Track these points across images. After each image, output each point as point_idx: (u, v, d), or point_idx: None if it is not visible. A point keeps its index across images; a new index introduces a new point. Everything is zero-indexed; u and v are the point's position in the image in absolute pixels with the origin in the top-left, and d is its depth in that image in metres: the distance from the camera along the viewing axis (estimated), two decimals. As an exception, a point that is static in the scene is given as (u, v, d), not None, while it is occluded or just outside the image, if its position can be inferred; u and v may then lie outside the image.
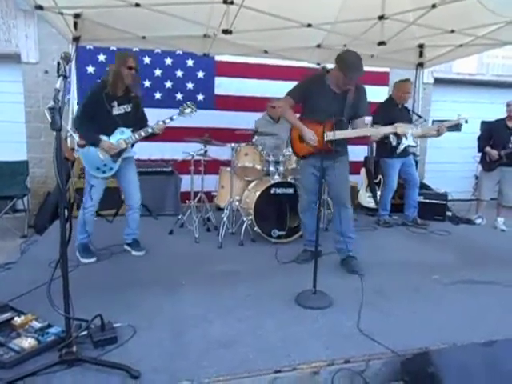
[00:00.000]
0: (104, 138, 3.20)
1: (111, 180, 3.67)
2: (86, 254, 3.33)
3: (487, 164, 5.15)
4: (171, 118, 3.34)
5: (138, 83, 3.34)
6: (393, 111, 4.55)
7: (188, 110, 3.39)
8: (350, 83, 3.03)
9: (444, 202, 5.27)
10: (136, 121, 3.35)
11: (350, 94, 3.11)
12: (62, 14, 3.89)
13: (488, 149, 5.07)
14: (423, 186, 6.15)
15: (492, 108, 6.63)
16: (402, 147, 4.28)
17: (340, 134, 3.08)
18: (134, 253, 3.54)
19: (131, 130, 3.29)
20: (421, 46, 5.25)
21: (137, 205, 3.53)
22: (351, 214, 3.35)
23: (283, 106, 3.25)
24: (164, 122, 3.29)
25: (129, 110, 3.29)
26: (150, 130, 3.28)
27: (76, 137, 3.10)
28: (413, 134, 3.28)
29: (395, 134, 3.21)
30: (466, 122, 3.69)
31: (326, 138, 3.04)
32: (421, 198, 5.21)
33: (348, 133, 3.19)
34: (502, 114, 5.21)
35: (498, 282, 3.09)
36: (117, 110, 3.23)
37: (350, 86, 3.06)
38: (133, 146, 3.40)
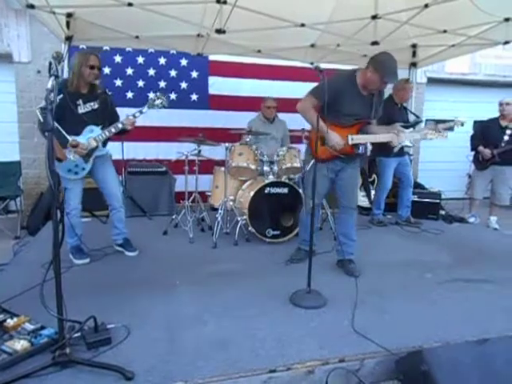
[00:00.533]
0: (73, 138, 3.10)
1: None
2: (79, 255, 3.31)
3: (480, 163, 5.19)
4: (141, 112, 3.24)
5: (100, 81, 3.27)
6: (392, 111, 4.50)
7: (158, 102, 3.27)
8: (385, 86, 3.01)
9: (437, 201, 5.30)
10: (105, 118, 3.24)
11: (375, 97, 3.08)
12: (54, 13, 3.86)
13: (481, 148, 5.11)
14: (417, 185, 6.19)
15: (484, 107, 6.67)
16: (399, 146, 4.33)
17: (364, 139, 3.09)
18: (127, 253, 3.51)
19: (101, 128, 3.20)
20: (414, 46, 5.28)
21: (118, 203, 3.45)
22: (356, 216, 3.36)
23: (305, 106, 3.03)
24: (134, 115, 3.21)
25: (96, 106, 3.20)
26: (120, 126, 3.18)
27: (69, 137, 3.06)
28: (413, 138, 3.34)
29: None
30: (462, 125, 3.72)
31: (350, 142, 3.03)
32: (414, 197, 5.24)
33: (371, 137, 3.15)
34: (494, 113, 5.25)
35: (491, 280, 3.12)
36: (83, 108, 3.14)
37: (382, 89, 3.06)
38: (105, 144, 3.30)
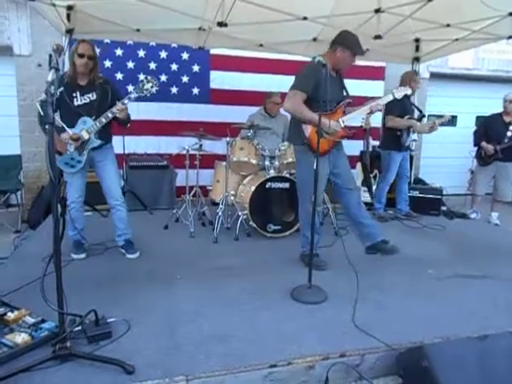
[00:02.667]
0: (68, 130, 3.04)
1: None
2: (76, 249, 3.30)
3: (483, 159, 5.17)
4: (129, 98, 3.08)
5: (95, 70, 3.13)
6: (405, 102, 4.51)
7: (148, 85, 3.06)
8: (353, 61, 3.09)
9: (439, 197, 5.28)
10: (102, 109, 3.09)
11: (342, 77, 3.19)
12: (54, 5, 3.83)
13: (484, 143, 5.09)
14: (418, 181, 6.18)
15: (487, 103, 6.64)
16: (409, 140, 4.39)
17: (351, 117, 3.15)
18: (128, 255, 3.38)
19: (94, 119, 3.09)
20: (417, 40, 5.23)
21: (118, 202, 3.32)
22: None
23: (296, 103, 2.97)
24: (123, 102, 3.06)
25: (94, 97, 3.11)
26: (109, 115, 3.05)
27: (69, 130, 3.03)
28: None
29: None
30: (453, 118, 3.72)
31: (342, 125, 3.09)
32: (416, 193, 5.24)
33: (356, 113, 3.22)
34: (497, 108, 5.22)
35: (492, 276, 3.12)
36: (79, 101, 3.08)
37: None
38: (107, 138, 3.24)
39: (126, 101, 3.07)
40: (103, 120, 3.08)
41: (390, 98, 3.31)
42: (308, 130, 3.06)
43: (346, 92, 3.28)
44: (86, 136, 3.10)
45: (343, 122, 3.11)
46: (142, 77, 3.14)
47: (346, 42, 3.02)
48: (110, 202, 3.35)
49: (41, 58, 5.44)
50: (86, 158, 3.16)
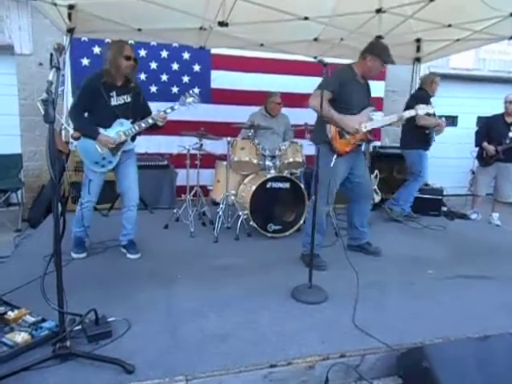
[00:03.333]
0: (101, 130, 3.07)
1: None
2: (77, 248, 3.27)
3: (484, 159, 5.17)
4: (172, 108, 3.18)
5: (135, 72, 3.22)
6: (430, 102, 4.48)
7: (190, 99, 3.20)
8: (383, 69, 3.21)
9: (439, 197, 5.28)
10: (135, 112, 3.19)
11: (368, 85, 3.29)
12: (55, 4, 3.83)
13: (485, 144, 5.09)
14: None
15: (489, 103, 6.63)
16: (435, 137, 4.54)
17: (374, 124, 3.23)
18: (128, 255, 3.35)
19: (131, 122, 3.15)
20: (418, 41, 5.24)
21: (133, 202, 3.31)
22: None
23: (319, 101, 2.80)
24: (165, 111, 3.15)
25: (128, 100, 3.14)
26: (150, 121, 3.13)
27: (70, 129, 3.04)
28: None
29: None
30: (454, 118, 3.74)
31: (364, 130, 3.15)
32: (417, 193, 5.22)
33: (380, 121, 3.35)
34: (498, 109, 5.22)
35: (493, 276, 3.11)
36: (116, 101, 3.08)
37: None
38: (134, 138, 3.25)
39: (168, 110, 3.16)
40: (143, 125, 3.14)
41: (412, 113, 3.41)
42: (331, 129, 3.13)
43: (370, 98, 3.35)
44: (123, 138, 3.13)
45: (365, 126, 3.16)
46: (187, 95, 3.22)
47: (376, 50, 3.11)
48: (126, 202, 3.34)
49: (42, 57, 5.44)
50: (119, 159, 3.19)
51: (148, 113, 3.26)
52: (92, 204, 3.25)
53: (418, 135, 4.70)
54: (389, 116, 3.40)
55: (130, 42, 5.33)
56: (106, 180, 3.30)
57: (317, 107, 2.96)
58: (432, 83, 4.75)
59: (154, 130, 3.28)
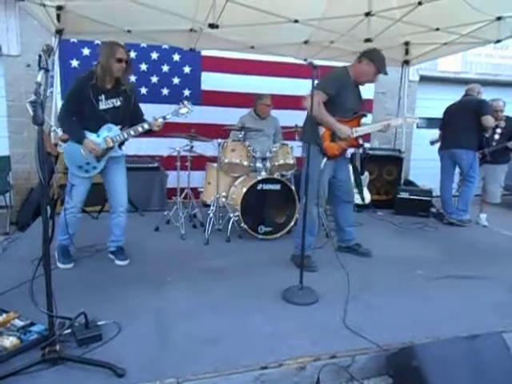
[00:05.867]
0: (88, 135, 2.95)
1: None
2: (63, 258, 3.10)
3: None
4: (164, 118, 3.08)
5: (129, 73, 3.12)
6: None
7: (184, 111, 3.15)
8: (376, 79, 3.22)
9: (429, 199, 5.34)
10: (125, 117, 3.06)
11: (359, 91, 3.31)
12: (44, 5, 3.81)
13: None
14: (408, 183, 6.24)
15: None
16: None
17: (364, 130, 3.26)
18: (117, 262, 3.23)
19: (120, 128, 3.03)
20: (406, 44, 5.31)
21: (121, 208, 3.19)
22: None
23: (315, 103, 2.83)
24: (157, 119, 3.06)
25: (118, 104, 3.00)
26: (146, 126, 3.03)
27: (59, 131, 2.99)
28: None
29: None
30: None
31: (354, 135, 3.17)
32: (406, 194, 5.29)
33: (368, 128, 3.40)
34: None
35: (481, 276, 3.15)
36: (104, 105, 2.95)
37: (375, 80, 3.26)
38: (122, 144, 3.13)
39: (160, 119, 3.07)
40: (132, 133, 3.03)
41: (399, 121, 3.47)
42: (322, 131, 3.14)
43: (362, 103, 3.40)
44: (110, 144, 3.00)
45: (356, 131, 3.20)
46: (181, 106, 3.19)
47: (373, 56, 3.16)
48: (114, 207, 3.22)
49: (30, 59, 5.39)
50: (104, 165, 3.07)
51: (139, 117, 3.17)
52: (77, 210, 3.09)
53: (477, 136, 4.76)
54: (379, 123, 3.41)
55: (96, 42, 5.40)
56: (95, 182, 3.23)
57: (311, 108, 3.00)
58: (479, 93, 4.94)
59: (147, 133, 3.17)
